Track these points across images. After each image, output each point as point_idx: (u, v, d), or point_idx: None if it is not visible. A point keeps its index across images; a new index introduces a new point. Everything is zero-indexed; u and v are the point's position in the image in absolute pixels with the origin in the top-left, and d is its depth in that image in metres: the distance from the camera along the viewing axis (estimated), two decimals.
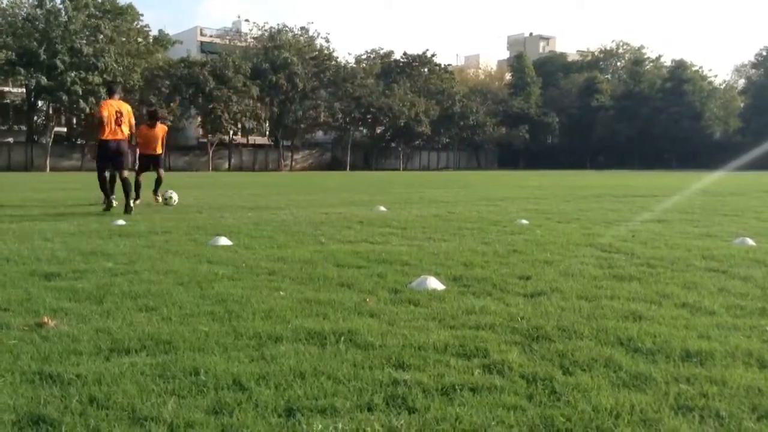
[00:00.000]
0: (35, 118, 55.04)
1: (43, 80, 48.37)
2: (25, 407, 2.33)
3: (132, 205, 10.25)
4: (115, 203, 11.06)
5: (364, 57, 69.60)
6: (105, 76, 50.86)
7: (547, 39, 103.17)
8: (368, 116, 66.23)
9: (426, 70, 70.53)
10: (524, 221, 8.82)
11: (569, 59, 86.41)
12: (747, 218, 9.57)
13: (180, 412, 2.29)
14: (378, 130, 69.32)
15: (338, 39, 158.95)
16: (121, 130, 10.62)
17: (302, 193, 17.23)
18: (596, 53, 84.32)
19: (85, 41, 50.43)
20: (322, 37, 65.94)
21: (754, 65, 76.34)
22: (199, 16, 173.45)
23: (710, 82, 75.91)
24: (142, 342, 3.11)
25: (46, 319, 3.47)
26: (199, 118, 61.52)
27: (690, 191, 17.79)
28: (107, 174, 10.88)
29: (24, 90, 53.15)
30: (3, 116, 55.93)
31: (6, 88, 54.52)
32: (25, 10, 51.58)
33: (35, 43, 48.74)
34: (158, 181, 13.32)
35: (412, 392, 2.48)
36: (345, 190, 19.74)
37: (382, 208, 11.23)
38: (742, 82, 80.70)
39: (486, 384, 2.56)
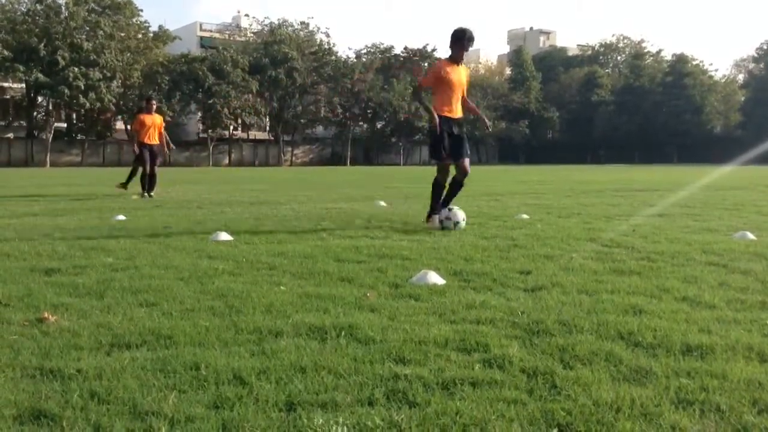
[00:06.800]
0: (35, 113, 55.05)
1: (41, 77, 48.28)
2: (26, 402, 2.34)
3: None
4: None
5: (364, 52, 69.46)
6: (105, 71, 50.83)
7: (547, 33, 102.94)
8: (368, 111, 66.15)
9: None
10: (525, 216, 8.81)
11: (569, 53, 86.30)
12: (747, 212, 9.56)
13: (181, 406, 2.29)
14: (378, 125, 69.24)
15: (338, 34, 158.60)
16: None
17: (302, 188, 17.22)
18: (596, 47, 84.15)
19: (84, 37, 50.37)
20: (322, 32, 65.81)
21: (754, 59, 76.18)
22: (198, 12, 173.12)
23: (711, 76, 75.76)
24: (142, 337, 3.11)
25: (46, 315, 3.47)
26: (199, 114, 61.43)
27: (691, 185, 17.77)
28: None
29: (24, 86, 53.11)
30: (3, 112, 55.92)
31: (6, 84, 54.48)
32: (24, 5, 51.49)
33: (35, 38, 48.66)
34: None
35: (412, 387, 2.48)
36: (345, 185, 19.72)
37: (383, 203, 11.23)
38: (742, 76, 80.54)
39: (486, 378, 2.56)
